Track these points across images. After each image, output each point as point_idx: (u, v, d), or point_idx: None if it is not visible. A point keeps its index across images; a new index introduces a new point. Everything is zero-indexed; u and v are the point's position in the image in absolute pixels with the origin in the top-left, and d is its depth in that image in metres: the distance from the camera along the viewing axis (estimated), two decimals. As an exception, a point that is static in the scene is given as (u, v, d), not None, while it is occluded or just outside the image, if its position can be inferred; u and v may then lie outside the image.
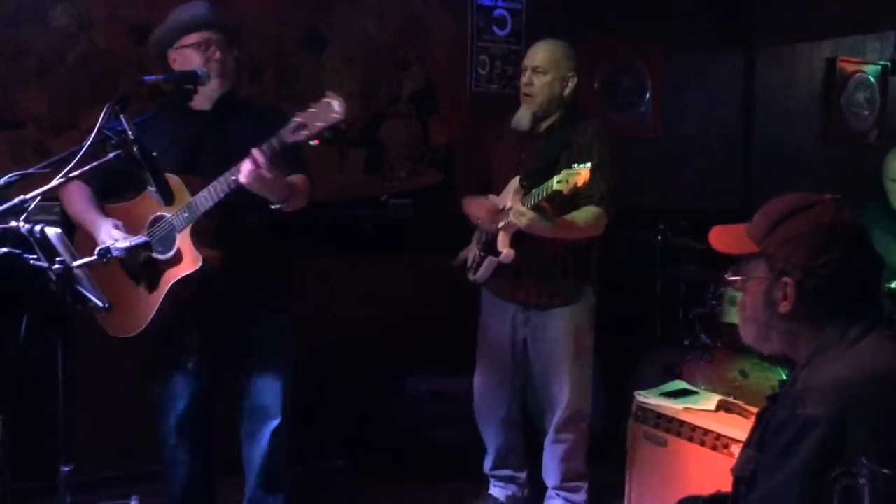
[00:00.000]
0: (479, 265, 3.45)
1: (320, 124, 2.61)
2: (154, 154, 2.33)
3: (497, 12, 4.55)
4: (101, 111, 2.26)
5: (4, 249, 2.05)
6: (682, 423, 2.99)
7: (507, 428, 3.58)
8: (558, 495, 3.53)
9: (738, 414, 2.96)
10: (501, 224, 3.30)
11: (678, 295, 4.23)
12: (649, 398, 3.16)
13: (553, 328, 3.39)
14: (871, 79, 5.99)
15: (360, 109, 4.26)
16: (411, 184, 4.39)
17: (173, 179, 2.63)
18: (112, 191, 2.96)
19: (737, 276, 1.81)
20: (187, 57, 2.86)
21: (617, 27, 4.93)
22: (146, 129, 2.60)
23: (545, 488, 3.61)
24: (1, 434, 2.40)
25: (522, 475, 3.66)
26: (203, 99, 2.91)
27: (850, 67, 5.88)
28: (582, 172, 2.88)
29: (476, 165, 3.68)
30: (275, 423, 3.03)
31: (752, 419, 1.85)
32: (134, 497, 2.58)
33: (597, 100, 4.89)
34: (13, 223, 2.05)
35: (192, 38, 2.86)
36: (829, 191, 1.78)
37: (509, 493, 3.64)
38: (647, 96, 5.07)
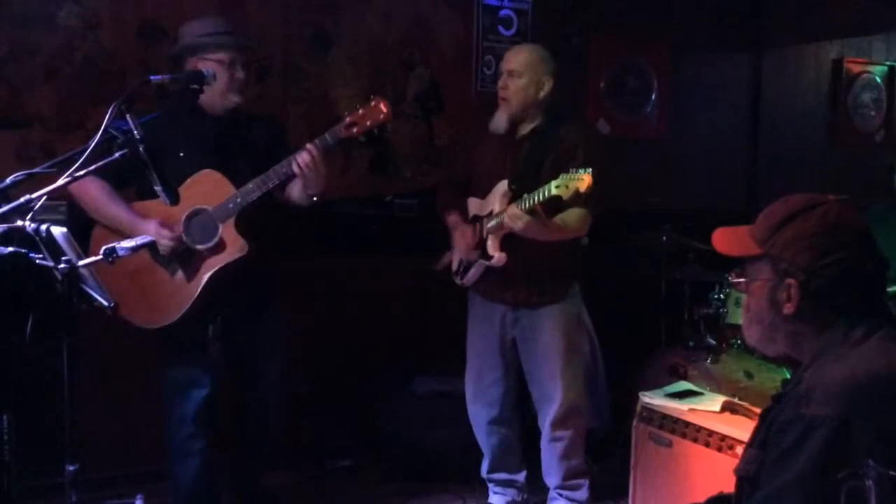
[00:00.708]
0: (467, 269, 3.46)
1: (369, 123, 2.94)
2: (159, 153, 2.37)
3: (503, 12, 4.55)
4: (108, 111, 2.27)
5: (10, 249, 2.05)
6: (686, 423, 2.98)
7: (501, 428, 3.58)
8: (560, 495, 3.53)
9: (744, 415, 2.95)
10: (490, 225, 3.30)
11: (683, 296, 4.23)
12: (654, 399, 3.16)
13: (544, 326, 3.40)
14: (878, 79, 5.98)
15: (365, 110, 4.27)
16: (416, 184, 4.39)
17: (215, 175, 2.96)
18: (122, 185, 3.06)
19: (741, 277, 1.80)
20: (212, 70, 2.98)
21: (623, 27, 4.93)
22: (159, 129, 2.84)
23: (545, 490, 3.61)
24: (7, 432, 2.41)
25: (520, 477, 3.65)
26: (219, 108, 3.10)
27: (856, 68, 5.88)
28: (584, 178, 2.87)
29: (455, 167, 3.70)
30: (275, 390, 3.34)
31: (757, 420, 1.85)
32: (139, 496, 2.59)
33: (603, 100, 4.89)
34: (19, 222, 2.06)
35: (222, 55, 3.05)
36: (835, 191, 1.78)
37: (509, 498, 3.64)
38: (653, 97, 5.07)
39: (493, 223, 3.28)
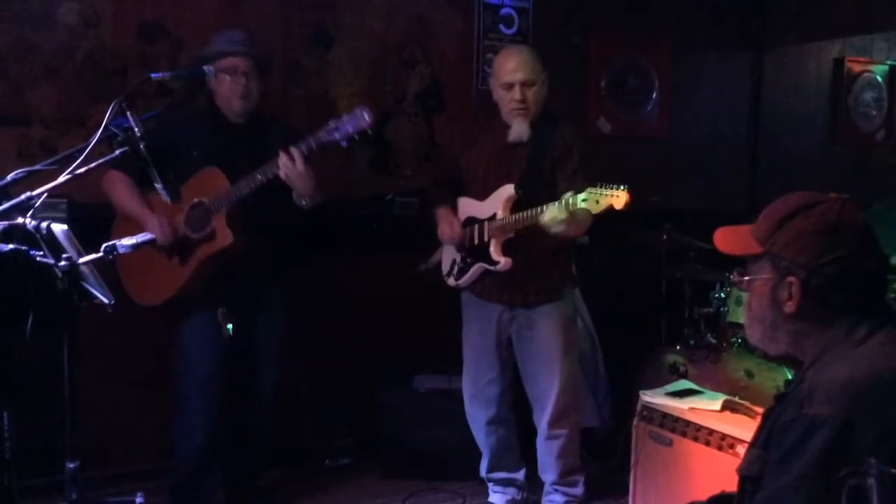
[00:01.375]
0: (463, 270, 3.45)
1: (350, 129, 3.01)
2: (172, 151, 2.47)
3: (504, 11, 4.55)
4: (108, 108, 2.27)
5: (11, 246, 2.05)
6: (687, 422, 2.98)
7: (499, 427, 3.59)
8: (557, 490, 3.54)
9: (744, 414, 2.95)
10: (494, 226, 3.29)
11: (684, 295, 4.22)
12: (654, 398, 3.16)
13: (540, 325, 3.41)
14: (879, 79, 5.97)
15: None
16: (417, 182, 4.38)
17: (215, 171, 3.17)
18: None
19: (742, 276, 1.80)
20: (220, 78, 3.22)
21: (624, 26, 4.92)
22: (177, 129, 3.24)
23: (541, 484, 3.61)
24: (7, 430, 2.41)
25: (520, 475, 3.66)
26: (233, 113, 3.31)
27: (857, 67, 5.87)
28: (620, 196, 2.82)
29: (445, 168, 3.69)
30: (271, 384, 3.49)
31: (758, 419, 1.85)
32: (139, 494, 2.59)
33: (603, 99, 4.88)
34: (20, 220, 2.06)
35: (227, 62, 3.24)
36: (836, 190, 1.77)
37: (508, 497, 3.64)
38: (654, 96, 5.07)
39: (497, 225, 3.28)
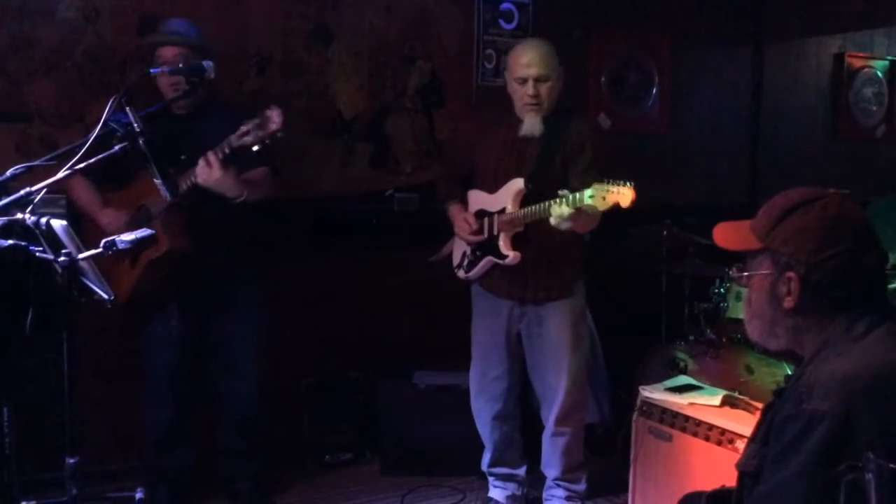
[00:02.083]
0: (472, 263, 3.45)
1: (260, 133, 2.97)
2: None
3: (504, 6, 4.54)
4: (107, 104, 2.27)
5: (10, 242, 2.05)
6: (686, 418, 2.98)
7: (504, 423, 3.58)
8: (559, 485, 3.54)
9: (744, 409, 2.95)
10: (502, 220, 3.29)
11: (683, 290, 4.22)
12: (654, 393, 3.16)
13: (550, 322, 3.40)
14: (879, 74, 5.97)
15: (366, 104, 4.26)
16: (417, 178, 4.39)
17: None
18: (112, 179, 3.30)
19: (742, 272, 1.80)
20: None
21: (624, 21, 4.92)
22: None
23: (542, 480, 3.62)
24: (7, 425, 2.40)
25: (521, 472, 3.65)
26: (175, 106, 3.27)
27: (857, 63, 5.86)
28: (626, 193, 2.81)
29: (455, 161, 3.65)
30: (248, 380, 3.53)
31: (758, 414, 1.85)
32: (139, 489, 2.59)
33: (603, 94, 4.88)
34: (19, 215, 2.06)
35: (161, 53, 3.26)
36: (837, 186, 1.77)
37: (508, 493, 3.64)
38: (654, 91, 5.06)
39: (506, 218, 3.27)
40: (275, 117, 2.96)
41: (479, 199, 3.45)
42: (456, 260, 3.55)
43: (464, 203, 3.50)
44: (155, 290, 3.30)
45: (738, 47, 5.39)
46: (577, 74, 4.76)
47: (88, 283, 2.18)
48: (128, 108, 2.41)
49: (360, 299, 4.25)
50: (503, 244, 3.31)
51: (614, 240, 4.09)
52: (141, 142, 2.31)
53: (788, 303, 1.68)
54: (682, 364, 3.93)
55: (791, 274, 1.67)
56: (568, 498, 3.54)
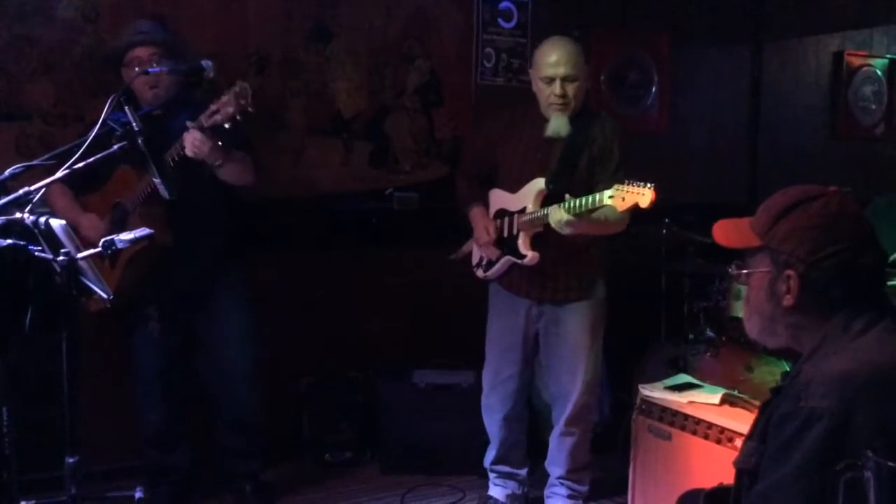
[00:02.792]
0: (491, 263, 3.43)
1: (230, 109, 2.91)
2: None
3: (503, 5, 4.54)
4: (107, 103, 2.27)
5: (9, 241, 2.05)
6: (686, 416, 2.98)
7: (513, 423, 3.57)
8: (563, 484, 3.54)
9: (743, 408, 2.95)
10: (523, 220, 3.26)
11: (683, 289, 4.22)
12: (654, 391, 3.16)
13: (568, 323, 3.38)
14: (879, 72, 5.96)
15: (365, 102, 4.26)
16: (416, 177, 4.38)
17: (125, 169, 3.14)
18: (90, 184, 3.27)
19: (741, 269, 1.80)
20: (129, 72, 3.20)
21: (624, 20, 4.92)
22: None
23: (543, 479, 3.62)
24: (7, 425, 2.41)
25: (522, 472, 3.65)
26: (147, 105, 3.19)
27: (857, 61, 5.86)
28: (646, 193, 2.80)
29: (477, 159, 3.58)
30: (240, 382, 3.52)
31: (756, 412, 1.85)
32: (139, 488, 2.59)
33: (603, 94, 4.88)
34: (18, 215, 2.06)
35: (130, 54, 3.24)
36: (836, 184, 1.77)
37: (508, 491, 3.63)
38: (654, 90, 5.06)
39: (526, 219, 3.25)
40: (242, 92, 2.92)
41: (500, 198, 3.41)
42: (475, 259, 3.54)
43: (485, 203, 3.47)
44: (137, 290, 3.26)
45: (737, 46, 5.39)
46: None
47: (87, 282, 2.18)
48: (126, 108, 2.42)
49: (359, 298, 4.25)
50: (522, 244, 3.28)
51: (614, 238, 4.09)
52: (140, 141, 2.31)
53: (787, 301, 1.68)
54: (681, 362, 3.93)
55: (790, 272, 1.67)
56: (570, 496, 3.54)
